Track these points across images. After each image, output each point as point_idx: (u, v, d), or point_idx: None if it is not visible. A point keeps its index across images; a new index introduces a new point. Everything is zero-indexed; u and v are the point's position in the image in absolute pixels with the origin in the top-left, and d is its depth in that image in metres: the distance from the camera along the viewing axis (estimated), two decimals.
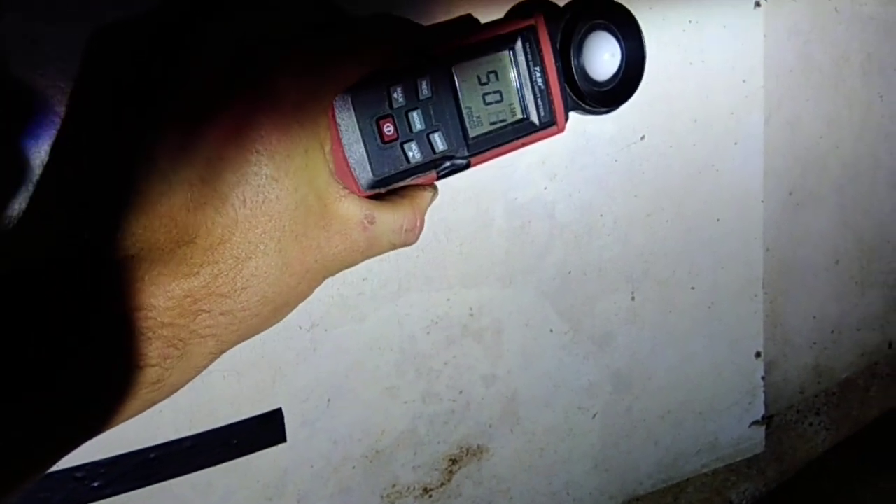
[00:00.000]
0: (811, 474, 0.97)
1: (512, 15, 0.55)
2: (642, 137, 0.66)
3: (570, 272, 0.66)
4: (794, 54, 0.76)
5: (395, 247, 0.42)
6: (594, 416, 0.73)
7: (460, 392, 0.64)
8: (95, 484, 0.50)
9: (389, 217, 0.41)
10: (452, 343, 0.62)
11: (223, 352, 0.36)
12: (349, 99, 0.40)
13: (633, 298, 0.71)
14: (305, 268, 0.36)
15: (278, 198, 0.34)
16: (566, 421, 0.71)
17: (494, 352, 0.65)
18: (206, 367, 0.35)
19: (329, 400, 0.58)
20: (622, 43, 0.52)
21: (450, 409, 0.64)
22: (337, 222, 0.38)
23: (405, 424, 0.62)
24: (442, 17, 0.53)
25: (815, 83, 0.78)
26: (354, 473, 0.61)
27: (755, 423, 0.84)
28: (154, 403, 0.34)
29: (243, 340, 0.36)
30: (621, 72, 0.52)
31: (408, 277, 0.59)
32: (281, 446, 0.57)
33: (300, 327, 0.55)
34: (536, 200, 0.62)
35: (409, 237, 0.43)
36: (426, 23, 0.52)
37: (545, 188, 0.62)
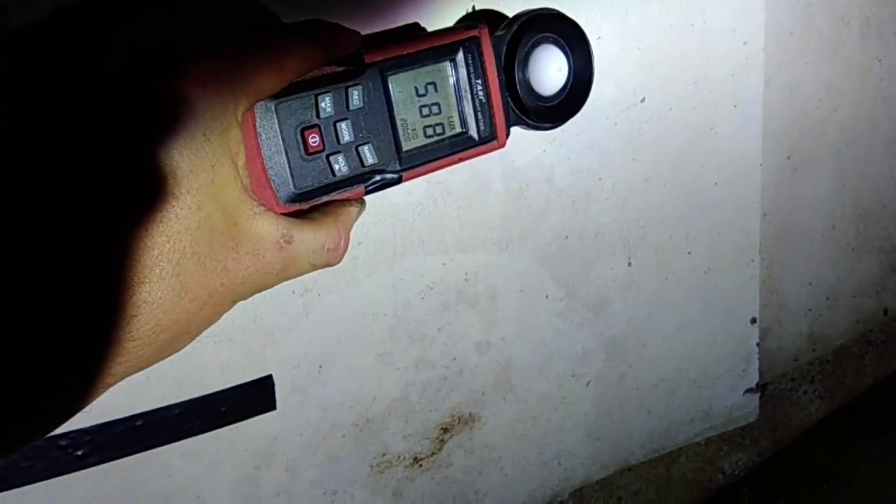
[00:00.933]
0: (805, 444, 0.97)
1: (458, 25, 0.53)
2: (642, 100, 0.64)
3: (566, 237, 0.65)
4: (795, 17, 0.74)
5: (315, 268, 0.39)
6: (588, 384, 0.72)
7: (454, 359, 0.63)
8: (80, 452, 0.49)
9: (310, 236, 0.38)
10: (447, 309, 0.61)
11: (110, 386, 0.32)
12: (272, 106, 0.37)
13: (629, 264, 0.70)
14: (209, 292, 0.33)
15: (178, 217, 0.31)
16: (559, 389, 0.70)
17: (489, 318, 0.64)
18: (89, 403, 0.32)
19: (321, 366, 0.57)
20: (570, 57, 0.50)
21: (442, 377, 0.63)
22: (248, 242, 0.34)
23: (397, 392, 0.61)
24: (389, 25, 0.51)
25: (814, 46, 0.77)
26: (344, 442, 0.60)
27: (749, 390, 0.84)
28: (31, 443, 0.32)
29: (135, 372, 0.33)
30: (568, 87, 0.51)
31: (403, 241, 0.57)
32: (270, 414, 0.56)
33: (293, 292, 0.54)
34: (535, 164, 0.61)
35: (331, 257, 0.40)
36: (371, 30, 0.50)
37: (544, 151, 0.61)
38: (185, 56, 0.32)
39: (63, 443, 0.48)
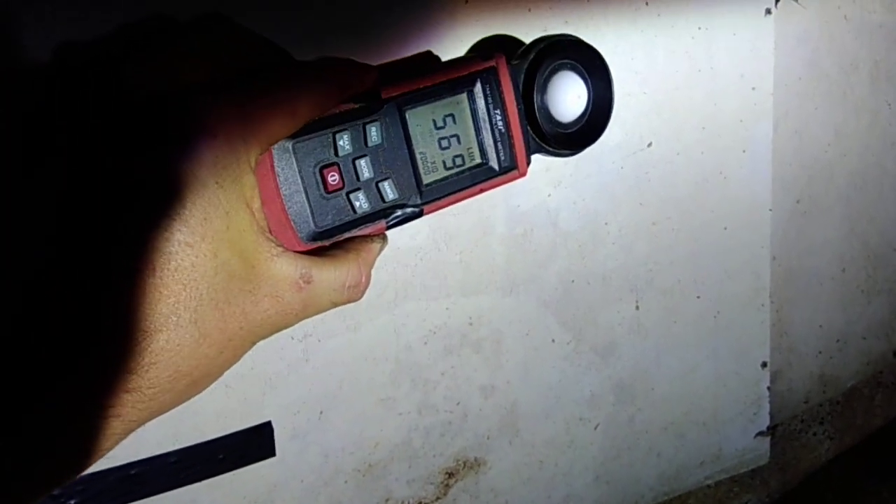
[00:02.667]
0: (814, 485, 0.95)
1: (474, 51, 0.53)
2: (649, 145, 0.64)
3: (573, 281, 0.64)
4: (803, 62, 0.74)
5: (336, 305, 0.39)
6: (596, 428, 0.71)
7: (458, 403, 0.62)
8: (72, 502, 0.48)
9: (330, 274, 0.38)
10: (450, 353, 0.61)
11: (131, 431, 0.33)
12: (290, 146, 0.38)
13: (637, 308, 0.69)
14: (227, 336, 0.34)
15: (193, 265, 0.31)
16: (567, 432, 0.69)
17: (493, 362, 0.63)
18: (110, 449, 0.32)
19: (321, 412, 0.56)
20: (589, 83, 0.50)
21: (447, 421, 0.62)
22: (266, 284, 0.35)
23: (400, 437, 0.60)
24: (402, 55, 0.51)
25: (823, 91, 0.76)
26: (346, 488, 0.59)
27: (760, 434, 0.83)
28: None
29: (155, 417, 0.34)
30: (588, 113, 0.51)
31: (405, 286, 0.57)
32: (270, 461, 0.55)
33: (292, 337, 0.53)
34: (540, 208, 0.60)
35: (352, 294, 0.40)
36: (385, 60, 0.50)
37: (549, 195, 0.60)
38: (195, 106, 0.32)
39: (56, 492, 0.48)
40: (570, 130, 0.50)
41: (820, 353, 0.89)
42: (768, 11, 0.67)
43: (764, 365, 0.80)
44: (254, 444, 0.54)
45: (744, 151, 0.69)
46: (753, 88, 0.68)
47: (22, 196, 0.32)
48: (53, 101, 0.34)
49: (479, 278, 0.60)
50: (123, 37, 0.37)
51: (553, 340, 0.65)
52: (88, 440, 0.31)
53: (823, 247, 0.83)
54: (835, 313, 0.88)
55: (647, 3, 0.60)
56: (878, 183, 0.85)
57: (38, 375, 0.29)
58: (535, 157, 0.50)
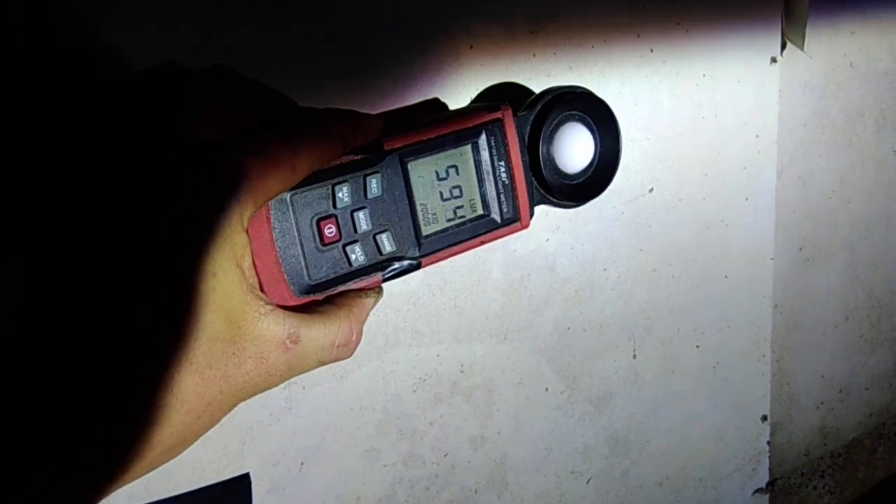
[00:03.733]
0: None
1: (481, 99, 0.51)
2: (650, 190, 0.62)
3: (568, 328, 0.62)
4: (809, 109, 0.73)
5: (323, 363, 0.38)
6: (588, 482, 0.69)
7: (445, 455, 0.60)
8: None
9: (319, 332, 0.36)
10: (440, 402, 0.58)
11: (97, 503, 0.31)
12: (287, 198, 0.36)
13: (634, 357, 0.67)
14: (206, 402, 0.32)
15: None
16: (558, 487, 0.67)
17: (484, 412, 0.61)
18: None
19: (302, 464, 0.54)
20: (596, 135, 0.49)
21: (433, 473, 0.60)
22: (252, 345, 0.33)
23: (383, 490, 0.58)
24: (411, 101, 0.50)
25: (828, 138, 0.75)
26: None
27: (758, 490, 0.81)
28: None
29: (121, 487, 0.32)
30: (594, 165, 0.50)
31: (396, 332, 0.55)
32: None
33: None
34: (537, 253, 0.59)
35: (341, 353, 0.38)
36: (390, 105, 0.49)
37: (547, 240, 0.59)
38: (187, 159, 0.30)
39: None
40: (575, 182, 0.49)
41: (822, 404, 0.87)
42: (773, 60, 0.66)
43: (764, 419, 0.78)
44: (230, 497, 0.52)
45: (746, 199, 0.68)
46: (757, 136, 0.67)
47: (25, 205, 0.31)
48: (57, 127, 0.32)
49: (473, 324, 0.58)
50: (132, 82, 0.35)
51: (546, 389, 0.63)
52: None
53: (826, 295, 0.82)
54: (837, 363, 0.87)
55: (651, 50, 0.59)
56: (884, 231, 0.83)
57: (22, 437, 0.27)
58: (538, 207, 0.49)
